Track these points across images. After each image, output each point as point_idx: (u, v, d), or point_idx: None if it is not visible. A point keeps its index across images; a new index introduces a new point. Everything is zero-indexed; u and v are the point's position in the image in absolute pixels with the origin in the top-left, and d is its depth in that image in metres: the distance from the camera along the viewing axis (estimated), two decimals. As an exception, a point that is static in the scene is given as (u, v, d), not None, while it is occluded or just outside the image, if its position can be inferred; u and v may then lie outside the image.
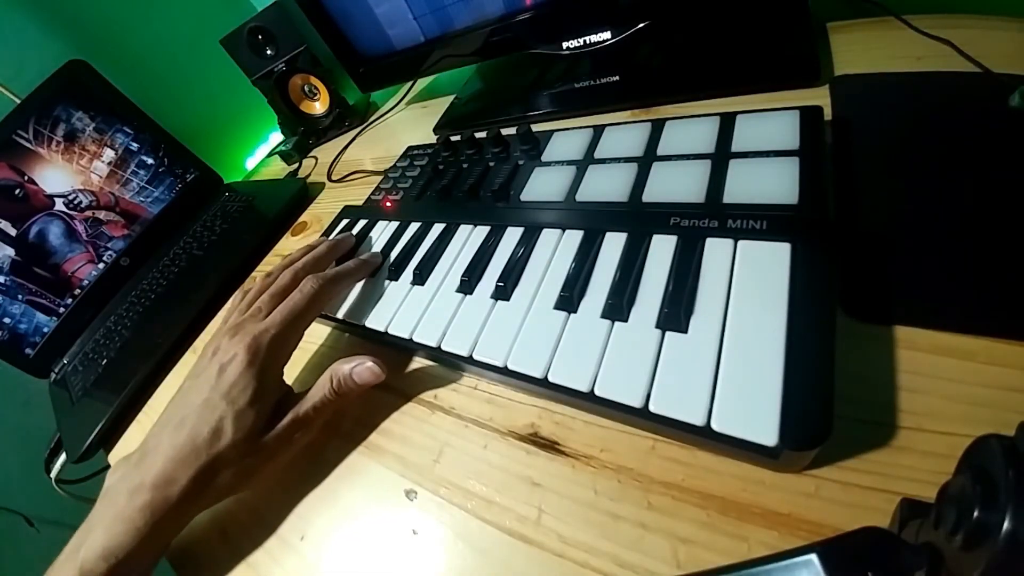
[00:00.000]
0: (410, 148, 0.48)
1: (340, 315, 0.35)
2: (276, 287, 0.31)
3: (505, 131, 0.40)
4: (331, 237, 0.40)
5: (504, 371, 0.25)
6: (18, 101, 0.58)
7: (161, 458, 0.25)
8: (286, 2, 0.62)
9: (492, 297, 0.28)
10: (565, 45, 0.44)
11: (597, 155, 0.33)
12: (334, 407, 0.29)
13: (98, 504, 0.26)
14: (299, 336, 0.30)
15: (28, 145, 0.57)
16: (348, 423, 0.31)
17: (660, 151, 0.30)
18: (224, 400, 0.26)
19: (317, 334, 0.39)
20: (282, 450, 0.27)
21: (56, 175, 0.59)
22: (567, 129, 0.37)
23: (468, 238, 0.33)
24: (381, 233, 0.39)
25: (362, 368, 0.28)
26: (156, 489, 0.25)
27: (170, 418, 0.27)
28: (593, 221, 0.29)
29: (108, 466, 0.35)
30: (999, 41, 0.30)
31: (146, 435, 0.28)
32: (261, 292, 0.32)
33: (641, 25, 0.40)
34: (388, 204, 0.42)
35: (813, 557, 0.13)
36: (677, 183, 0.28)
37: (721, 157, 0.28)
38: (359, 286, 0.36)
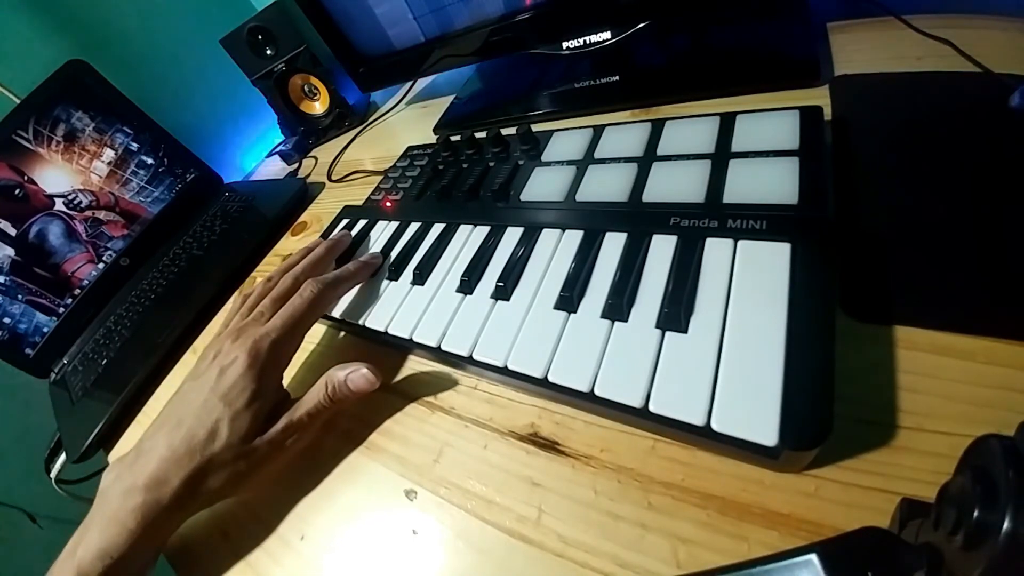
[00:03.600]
0: (410, 148, 0.48)
1: (339, 315, 0.35)
2: (277, 291, 0.31)
3: (505, 131, 0.40)
4: (329, 238, 0.40)
5: (504, 371, 0.25)
6: (18, 101, 0.58)
7: (155, 459, 0.25)
8: (286, 2, 0.62)
9: (492, 297, 0.28)
10: (565, 45, 0.44)
11: (597, 155, 0.33)
12: (329, 413, 0.29)
13: (95, 504, 0.26)
14: (299, 340, 0.30)
15: (28, 145, 0.57)
16: (348, 423, 0.31)
17: (660, 151, 0.30)
18: (222, 402, 0.26)
19: (315, 333, 0.39)
20: (274, 455, 0.27)
21: (56, 175, 0.59)
22: (567, 129, 0.37)
23: (468, 238, 0.33)
24: (381, 233, 0.39)
25: (357, 375, 0.28)
26: (148, 491, 0.25)
27: (167, 419, 0.27)
28: (593, 221, 0.29)
29: (108, 466, 0.35)
30: (999, 41, 0.30)
31: (142, 435, 0.28)
32: (262, 296, 0.32)
33: (641, 25, 0.40)
34: (388, 204, 0.42)
35: (813, 557, 0.13)
36: (677, 183, 0.28)
37: (721, 157, 0.28)
38: (358, 286, 0.36)
